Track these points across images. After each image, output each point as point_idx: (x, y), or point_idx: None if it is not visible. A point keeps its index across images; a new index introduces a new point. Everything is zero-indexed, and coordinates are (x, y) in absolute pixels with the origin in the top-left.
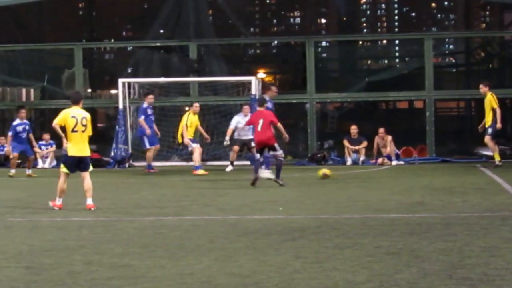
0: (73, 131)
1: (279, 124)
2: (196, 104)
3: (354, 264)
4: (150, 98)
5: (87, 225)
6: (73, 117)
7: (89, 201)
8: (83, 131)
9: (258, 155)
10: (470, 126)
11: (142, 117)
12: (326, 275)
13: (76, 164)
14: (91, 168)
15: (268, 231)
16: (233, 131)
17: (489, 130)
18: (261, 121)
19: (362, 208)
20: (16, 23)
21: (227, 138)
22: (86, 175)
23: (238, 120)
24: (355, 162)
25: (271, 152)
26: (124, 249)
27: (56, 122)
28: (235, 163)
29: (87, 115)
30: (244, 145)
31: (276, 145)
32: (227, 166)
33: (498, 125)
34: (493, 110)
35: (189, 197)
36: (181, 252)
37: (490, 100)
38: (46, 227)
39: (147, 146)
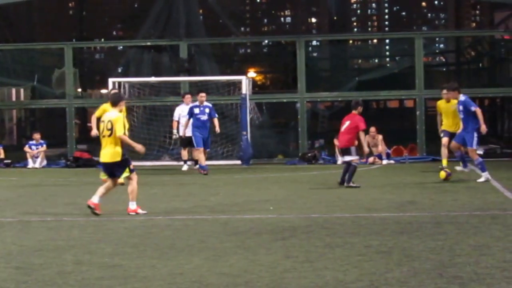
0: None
1: (361, 133)
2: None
3: (344, 263)
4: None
5: (78, 225)
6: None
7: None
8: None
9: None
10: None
11: (187, 117)
12: (317, 274)
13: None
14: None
15: (258, 230)
16: (178, 123)
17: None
18: (346, 123)
19: (353, 207)
20: (5, 22)
21: (174, 131)
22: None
23: (180, 112)
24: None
25: (345, 158)
26: (115, 249)
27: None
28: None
29: (113, 117)
30: (188, 142)
31: (352, 149)
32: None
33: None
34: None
35: (179, 196)
36: (172, 252)
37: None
38: (36, 227)
39: (195, 146)
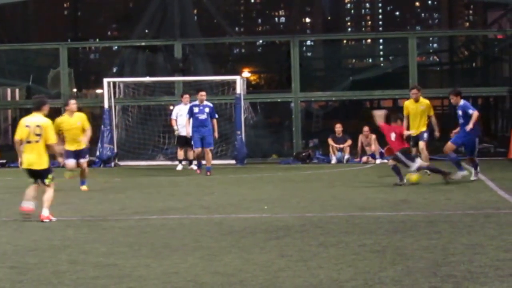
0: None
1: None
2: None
3: (338, 262)
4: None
5: (73, 224)
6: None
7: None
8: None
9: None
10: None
11: (187, 116)
12: (311, 273)
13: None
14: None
15: (253, 229)
16: (176, 121)
17: (425, 135)
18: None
19: (347, 207)
20: (0, 23)
21: (175, 127)
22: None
23: (178, 111)
24: (339, 161)
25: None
26: (109, 248)
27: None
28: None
29: (42, 123)
30: (185, 142)
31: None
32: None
33: (437, 133)
34: (429, 116)
35: (174, 196)
36: (167, 251)
37: (429, 106)
38: (31, 226)
39: (193, 147)
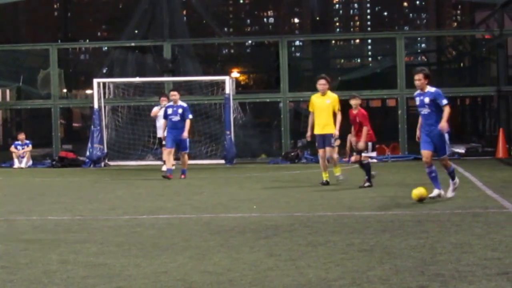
0: None
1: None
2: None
3: (327, 261)
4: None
5: (63, 224)
6: None
7: None
8: None
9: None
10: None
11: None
12: (299, 272)
13: None
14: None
15: (242, 229)
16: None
17: (333, 141)
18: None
19: (335, 206)
20: None
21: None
22: None
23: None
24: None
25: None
26: (99, 248)
27: None
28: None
29: None
30: (161, 143)
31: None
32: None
33: (336, 132)
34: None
35: (164, 196)
36: (156, 251)
37: (336, 101)
38: (21, 226)
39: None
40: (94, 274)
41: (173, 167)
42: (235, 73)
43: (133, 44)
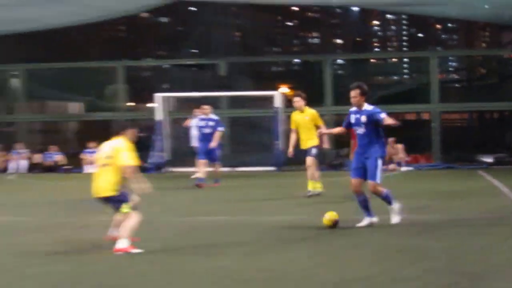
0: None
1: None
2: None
3: (367, 260)
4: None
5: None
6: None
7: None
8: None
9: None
10: (472, 135)
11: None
12: (344, 269)
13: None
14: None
15: (292, 230)
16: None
17: (313, 151)
18: None
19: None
20: (64, 43)
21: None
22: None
23: (193, 124)
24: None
25: None
26: (162, 245)
27: None
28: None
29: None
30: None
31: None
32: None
33: (326, 145)
34: (317, 127)
35: (219, 199)
36: (212, 249)
37: (315, 116)
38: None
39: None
40: (157, 269)
41: (204, 176)
42: (283, 89)
43: (190, 62)
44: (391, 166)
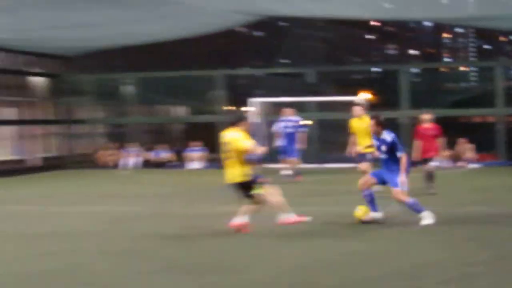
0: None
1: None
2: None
3: (438, 247)
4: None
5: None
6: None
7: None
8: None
9: None
10: None
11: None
12: (414, 255)
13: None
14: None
15: (375, 221)
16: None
17: (368, 156)
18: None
19: (444, 203)
20: (171, 54)
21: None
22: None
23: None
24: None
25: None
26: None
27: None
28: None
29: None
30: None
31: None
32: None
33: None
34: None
35: (307, 194)
36: (298, 236)
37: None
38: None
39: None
40: (247, 254)
41: (290, 172)
42: (364, 94)
43: (282, 71)
44: (460, 163)
